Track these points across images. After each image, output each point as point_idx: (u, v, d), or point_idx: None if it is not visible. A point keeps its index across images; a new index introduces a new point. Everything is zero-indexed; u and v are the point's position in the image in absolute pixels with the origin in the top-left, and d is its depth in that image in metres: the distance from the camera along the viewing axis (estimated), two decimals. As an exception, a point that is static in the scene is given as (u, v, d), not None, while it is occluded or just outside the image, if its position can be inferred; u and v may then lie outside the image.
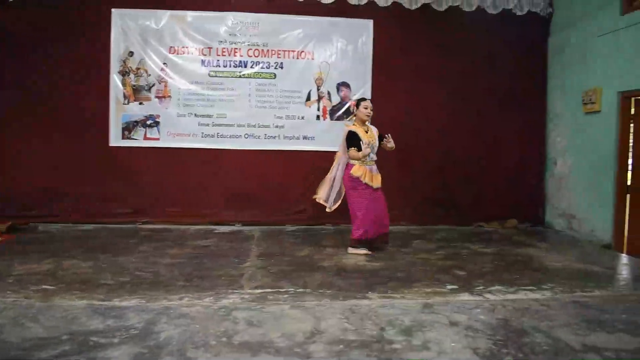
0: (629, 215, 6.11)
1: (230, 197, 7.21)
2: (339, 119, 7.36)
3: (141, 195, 7.07)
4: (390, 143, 5.55)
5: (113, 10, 6.96)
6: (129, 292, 3.99)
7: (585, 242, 6.47)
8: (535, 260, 5.46)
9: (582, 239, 6.60)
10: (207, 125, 7.18)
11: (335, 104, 7.38)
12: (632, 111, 6.11)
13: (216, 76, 7.17)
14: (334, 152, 6.79)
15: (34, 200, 6.86)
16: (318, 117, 7.36)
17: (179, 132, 7.15)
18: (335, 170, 5.67)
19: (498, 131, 7.57)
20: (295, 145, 7.31)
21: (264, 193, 7.25)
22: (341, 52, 7.38)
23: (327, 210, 5.73)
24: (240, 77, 7.21)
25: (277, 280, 4.47)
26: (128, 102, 7.07)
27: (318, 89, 7.34)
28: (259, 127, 7.25)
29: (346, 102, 7.35)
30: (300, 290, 4.18)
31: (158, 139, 7.13)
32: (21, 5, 6.72)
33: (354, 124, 5.59)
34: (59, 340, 3.02)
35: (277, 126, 7.29)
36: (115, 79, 7.02)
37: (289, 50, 7.28)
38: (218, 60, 7.17)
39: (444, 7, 7.28)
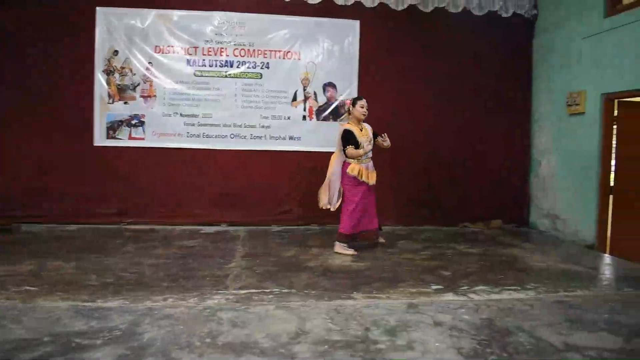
0: (612, 216, 6.19)
1: (216, 197, 7.18)
2: (325, 119, 7.36)
3: (126, 196, 7.00)
4: (386, 142, 5.59)
5: (97, 8, 6.88)
6: (113, 293, 3.96)
7: (569, 243, 6.53)
8: (519, 261, 5.50)
9: (566, 240, 6.66)
10: (193, 125, 7.14)
11: (321, 104, 7.37)
12: (615, 113, 6.19)
13: (202, 76, 7.14)
14: (320, 153, 6.84)
15: (17, 200, 6.76)
16: (304, 118, 7.35)
17: (164, 132, 7.10)
18: (330, 174, 5.66)
19: (483, 132, 7.62)
20: (281, 146, 7.29)
21: (250, 193, 7.23)
22: (327, 52, 7.38)
23: (332, 210, 5.72)
24: (226, 76, 7.18)
25: (262, 280, 4.46)
26: (113, 102, 7.00)
27: (304, 89, 7.33)
28: (245, 127, 7.23)
29: (332, 103, 7.36)
30: (286, 290, 4.18)
31: (143, 139, 7.07)
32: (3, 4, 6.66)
33: (348, 123, 5.61)
34: (41, 342, 2.99)
35: (263, 126, 7.27)
36: (99, 78, 6.95)
37: (275, 50, 7.26)
38: (204, 60, 7.14)
39: (430, 9, 7.31)
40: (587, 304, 3.98)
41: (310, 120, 7.36)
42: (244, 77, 7.20)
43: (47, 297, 3.83)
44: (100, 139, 6.98)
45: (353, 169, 5.44)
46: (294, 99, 7.32)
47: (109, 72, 6.97)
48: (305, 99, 7.34)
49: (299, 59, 7.32)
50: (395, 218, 7.29)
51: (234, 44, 7.17)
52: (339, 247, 5.58)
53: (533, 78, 7.69)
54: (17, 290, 3.97)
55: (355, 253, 5.49)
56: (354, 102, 5.60)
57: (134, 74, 7.03)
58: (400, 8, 7.27)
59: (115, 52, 6.97)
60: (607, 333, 3.36)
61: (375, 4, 7.23)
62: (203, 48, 7.13)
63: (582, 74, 6.57)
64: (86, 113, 6.92)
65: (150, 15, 7.02)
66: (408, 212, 7.46)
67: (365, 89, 7.21)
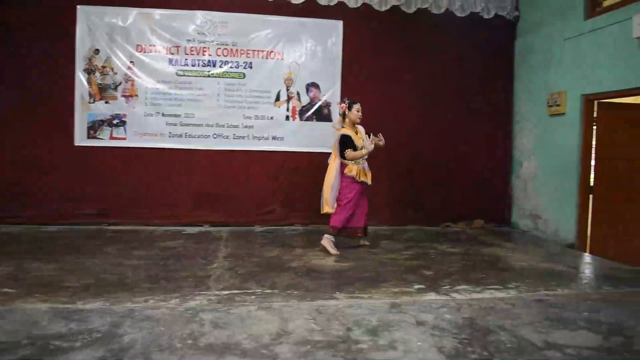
0: (592, 215, 6.26)
1: (199, 197, 7.14)
2: (308, 119, 7.35)
3: (107, 196, 6.93)
4: (382, 141, 5.61)
5: (78, 7, 6.81)
6: (93, 295, 3.90)
7: (550, 242, 6.60)
8: (501, 260, 5.54)
9: (547, 239, 6.73)
10: (175, 125, 7.08)
11: (304, 104, 7.37)
12: (595, 114, 6.26)
13: (184, 75, 7.09)
14: (304, 153, 6.84)
15: (-5, 200, 6.68)
16: (287, 118, 7.34)
17: (146, 132, 7.04)
18: (332, 178, 5.63)
19: (466, 133, 7.67)
20: (265, 146, 7.27)
21: (232, 194, 7.19)
22: (311, 52, 7.38)
23: (331, 211, 5.68)
24: (208, 76, 7.14)
25: (245, 281, 4.44)
26: (94, 101, 6.93)
27: (287, 89, 7.32)
28: (227, 127, 7.19)
29: (316, 103, 7.36)
30: (268, 291, 4.16)
31: (125, 139, 7.00)
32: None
33: (343, 127, 5.65)
34: (18, 345, 2.93)
35: (246, 126, 7.24)
36: (80, 77, 6.87)
37: (258, 50, 7.24)
38: (186, 59, 7.09)
39: (413, 9, 7.36)
40: (567, 302, 4.01)
41: (294, 120, 7.35)
42: (227, 77, 7.17)
43: (25, 299, 3.76)
44: (81, 139, 6.90)
45: (351, 169, 5.53)
46: (277, 99, 7.30)
47: (89, 71, 6.90)
48: (289, 99, 7.33)
49: (282, 59, 7.31)
50: (378, 218, 7.29)
51: (217, 44, 7.14)
52: (326, 241, 5.57)
53: (514, 79, 7.76)
54: (-6, 292, 3.91)
55: (338, 253, 5.50)
56: (349, 106, 5.62)
57: (116, 73, 6.96)
58: (383, 9, 7.30)
59: (97, 51, 6.90)
60: (586, 331, 3.39)
61: (359, 5, 7.25)
62: (185, 47, 7.08)
63: (562, 75, 6.64)
64: (67, 112, 6.84)
65: (132, 14, 6.96)
66: (391, 212, 7.49)
67: (348, 89, 7.21)
